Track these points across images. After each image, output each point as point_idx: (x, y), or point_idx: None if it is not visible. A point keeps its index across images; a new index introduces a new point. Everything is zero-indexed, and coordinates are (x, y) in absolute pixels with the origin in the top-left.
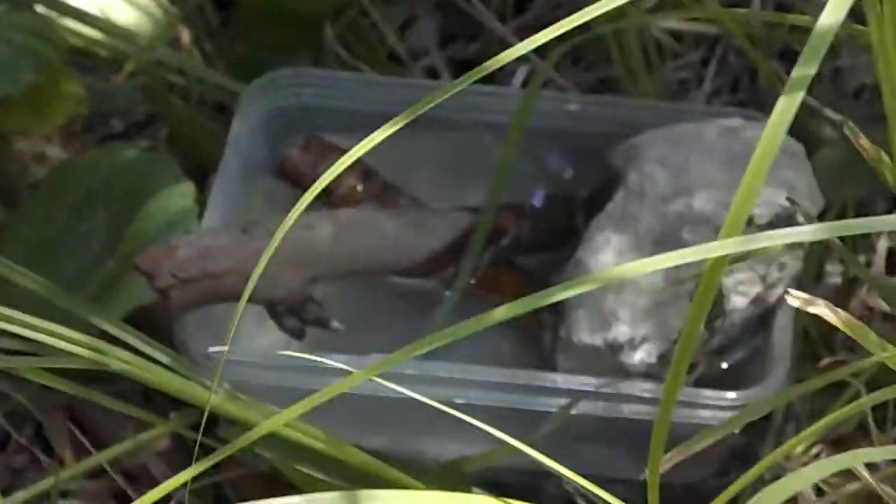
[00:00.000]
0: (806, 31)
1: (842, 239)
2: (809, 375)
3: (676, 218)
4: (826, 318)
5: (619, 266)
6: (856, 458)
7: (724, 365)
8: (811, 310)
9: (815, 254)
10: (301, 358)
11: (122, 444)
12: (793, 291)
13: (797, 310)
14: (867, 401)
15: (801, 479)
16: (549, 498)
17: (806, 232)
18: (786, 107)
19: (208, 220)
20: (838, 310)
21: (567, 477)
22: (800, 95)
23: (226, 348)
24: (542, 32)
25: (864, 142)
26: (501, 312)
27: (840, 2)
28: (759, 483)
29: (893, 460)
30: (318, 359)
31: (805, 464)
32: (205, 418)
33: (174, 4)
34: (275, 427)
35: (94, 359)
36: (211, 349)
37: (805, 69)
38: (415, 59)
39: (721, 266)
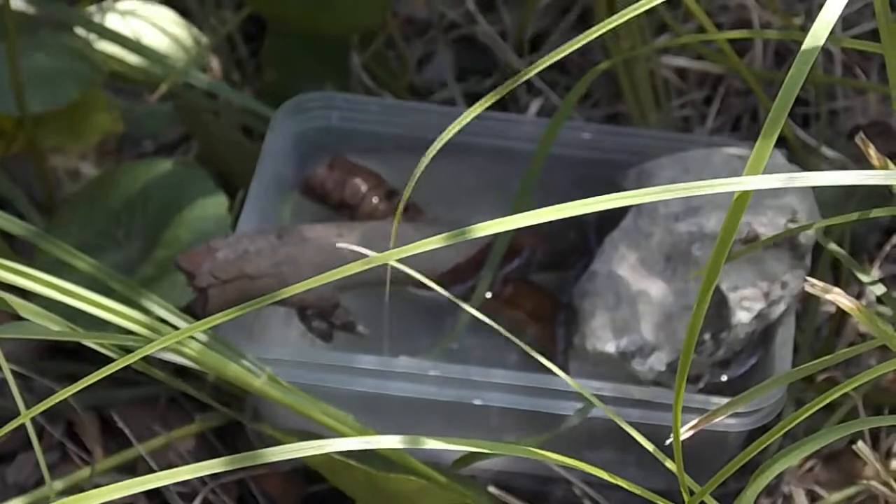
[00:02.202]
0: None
1: (837, 266)
2: (805, 392)
3: (686, 235)
4: (840, 304)
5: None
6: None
7: (725, 378)
8: (827, 296)
9: (816, 278)
10: (333, 357)
11: (152, 440)
12: (810, 279)
13: (795, 330)
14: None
15: (799, 451)
16: (558, 502)
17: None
18: (777, 112)
19: (241, 229)
20: (850, 297)
21: (575, 482)
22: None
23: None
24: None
25: (872, 151)
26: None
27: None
28: (756, 494)
29: (885, 464)
30: (353, 358)
31: (800, 477)
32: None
33: (205, 35)
34: (308, 410)
35: (152, 337)
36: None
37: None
38: (433, 91)
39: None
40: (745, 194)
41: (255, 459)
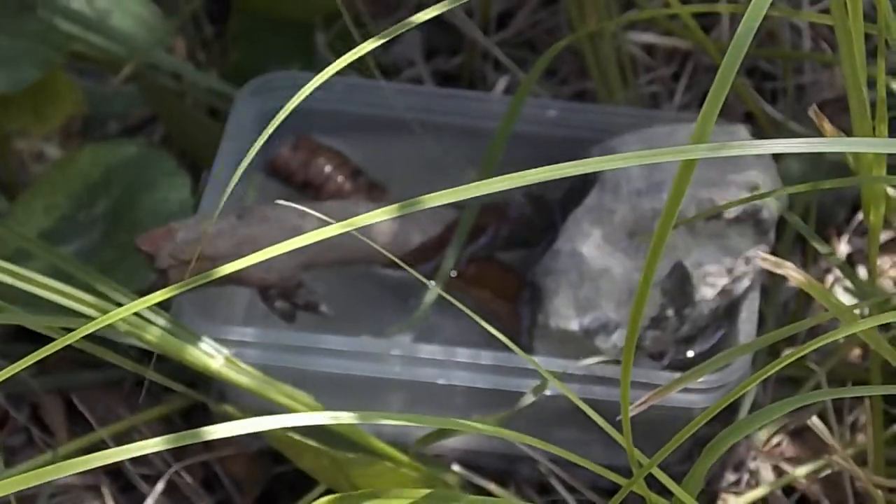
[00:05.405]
0: (771, 48)
1: (804, 242)
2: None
3: (650, 212)
4: (791, 277)
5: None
6: (805, 399)
7: (691, 353)
8: (779, 271)
9: (780, 253)
10: (294, 337)
11: (116, 424)
12: (762, 253)
13: (760, 306)
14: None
15: (751, 424)
16: (524, 480)
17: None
18: (720, 82)
19: (203, 211)
20: (802, 271)
21: (541, 460)
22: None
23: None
24: None
25: (826, 125)
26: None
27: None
28: (722, 469)
29: (851, 440)
30: (315, 338)
31: (766, 452)
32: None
33: (169, 16)
34: (267, 391)
35: (108, 321)
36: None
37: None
38: (400, 69)
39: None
40: (690, 162)
41: (207, 435)
